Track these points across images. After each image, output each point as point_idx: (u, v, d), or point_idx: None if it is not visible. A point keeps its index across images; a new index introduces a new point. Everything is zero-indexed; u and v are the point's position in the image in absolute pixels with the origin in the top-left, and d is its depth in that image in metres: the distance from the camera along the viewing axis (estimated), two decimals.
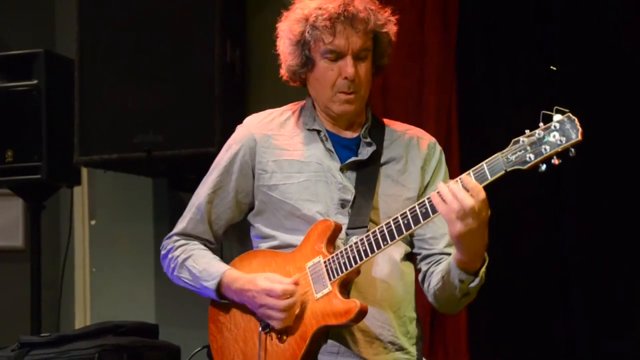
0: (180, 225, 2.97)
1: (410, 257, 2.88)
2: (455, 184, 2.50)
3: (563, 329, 4.32)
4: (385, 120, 2.95)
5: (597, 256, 4.24)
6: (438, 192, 2.52)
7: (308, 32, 2.76)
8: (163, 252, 2.98)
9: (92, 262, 5.15)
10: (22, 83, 4.64)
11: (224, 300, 2.85)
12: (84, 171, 5.02)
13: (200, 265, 2.88)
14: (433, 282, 2.79)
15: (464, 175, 2.51)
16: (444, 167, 2.91)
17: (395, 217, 2.62)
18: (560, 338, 4.32)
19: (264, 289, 2.72)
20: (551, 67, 4.32)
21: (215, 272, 2.84)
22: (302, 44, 2.79)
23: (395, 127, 2.94)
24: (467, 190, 2.48)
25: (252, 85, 4.79)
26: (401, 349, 2.79)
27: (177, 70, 4.36)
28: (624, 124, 4.23)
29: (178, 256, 2.92)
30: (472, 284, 2.67)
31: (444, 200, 2.50)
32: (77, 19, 4.53)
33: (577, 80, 4.31)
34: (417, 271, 2.89)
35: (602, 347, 4.25)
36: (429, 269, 2.84)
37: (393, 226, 2.61)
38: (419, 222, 2.58)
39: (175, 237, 2.97)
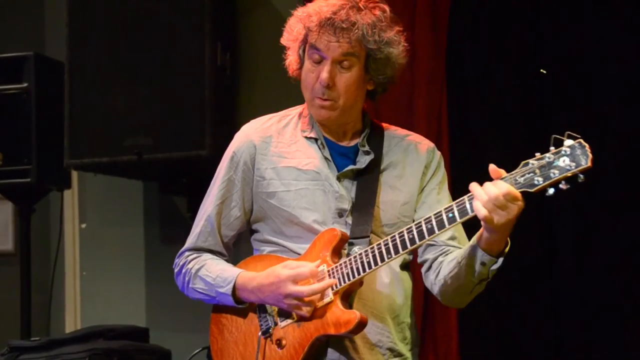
0: (190, 240, 2.92)
1: (408, 266, 2.87)
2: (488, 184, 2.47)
3: (553, 332, 4.33)
4: (385, 126, 2.93)
5: (588, 260, 4.25)
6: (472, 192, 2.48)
7: (302, 31, 2.77)
8: (176, 269, 2.92)
9: (82, 266, 5.14)
10: (12, 86, 4.64)
11: (240, 305, 2.80)
12: (74, 174, 5.01)
13: (214, 272, 2.83)
14: (444, 270, 2.74)
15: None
16: (442, 172, 2.90)
17: (401, 231, 2.62)
18: (550, 341, 4.32)
19: (288, 276, 2.68)
20: (541, 70, 4.33)
21: (230, 277, 2.80)
22: (298, 42, 2.80)
23: (394, 133, 2.92)
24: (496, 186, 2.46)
25: (242, 88, 4.79)
26: (399, 355, 2.79)
27: (168, 73, 4.36)
28: (613, 126, 4.24)
29: (191, 268, 2.87)
30: (494, 266, 2.62)
31: (484, 192, 2.47)
32: (67, 22, 4.52)
33: (567, 83, 4.32)
34: (420, 264, 2.85)
35: (591, 349, 4.26)
36: (436, 258, 2.79)
37: (398, 240, 2.61)
38: (424, 237, 2.58)
39: (186, 253, 2.91)
